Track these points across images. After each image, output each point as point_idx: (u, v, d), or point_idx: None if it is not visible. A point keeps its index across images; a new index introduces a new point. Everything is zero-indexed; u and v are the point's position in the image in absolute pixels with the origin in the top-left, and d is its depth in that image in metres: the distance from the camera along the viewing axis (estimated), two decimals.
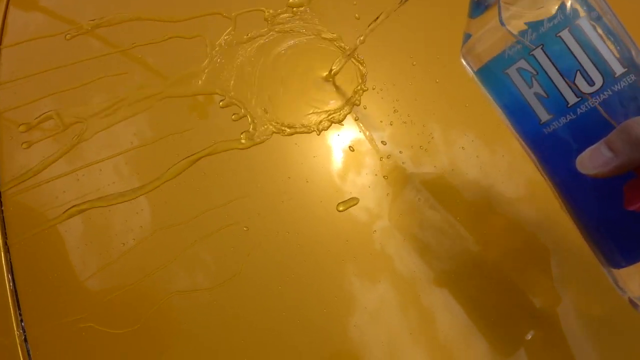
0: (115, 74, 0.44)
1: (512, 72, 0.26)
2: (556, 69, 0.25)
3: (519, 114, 0.27)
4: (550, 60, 0.25)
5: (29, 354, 0.35)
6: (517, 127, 0.27)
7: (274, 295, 0.38)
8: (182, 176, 0.40)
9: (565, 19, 0.24)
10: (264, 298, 0.38)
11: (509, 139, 0.29)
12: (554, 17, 0.25)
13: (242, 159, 0.42)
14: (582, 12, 0.24)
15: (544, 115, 0.26)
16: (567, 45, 0.24)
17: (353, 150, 0.43)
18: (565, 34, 0.24)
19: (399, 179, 0.43)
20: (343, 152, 0.43)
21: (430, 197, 0.42)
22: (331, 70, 0.45)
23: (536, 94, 0.26)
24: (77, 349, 0.36)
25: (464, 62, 0.29)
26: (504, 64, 0.26)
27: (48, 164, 0.40)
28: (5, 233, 0.38)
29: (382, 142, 0.44)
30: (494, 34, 0.26)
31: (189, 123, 0.42)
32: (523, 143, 0.28)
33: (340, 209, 0.41)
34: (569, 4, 0.24)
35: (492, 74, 0.27)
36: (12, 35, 0.45)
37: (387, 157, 0.43)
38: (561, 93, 0.25)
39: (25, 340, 0.35)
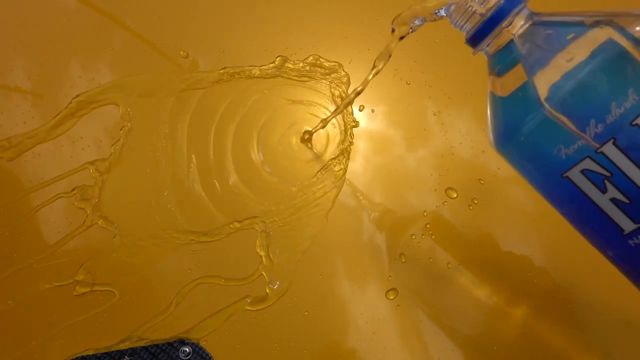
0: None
1: (574, 175, 0.19)
2: (638, 167, 0.18)
3: (592, 225, 0.20)
4: (629, 157, 0.18)
5: None
6: (593, 240, 0.21)
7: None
8: None
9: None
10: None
11: None
12: (623, 99, 0.18)
13: None
14: None
15: (627, 225, 0.19)
16: None
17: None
18: None
19: None
20: None
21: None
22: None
23: (614, 200, 0.19)
24: None
25: (500, 152, 0.22)
26: (560, 165, 0.20)
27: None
28: None
29: None
30: (535, 114, 0.20)
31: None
32: (605, 255, 0.21)
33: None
34: None
35: (546, 177, 0.20)
36: None
37: None
38: None
39: None
